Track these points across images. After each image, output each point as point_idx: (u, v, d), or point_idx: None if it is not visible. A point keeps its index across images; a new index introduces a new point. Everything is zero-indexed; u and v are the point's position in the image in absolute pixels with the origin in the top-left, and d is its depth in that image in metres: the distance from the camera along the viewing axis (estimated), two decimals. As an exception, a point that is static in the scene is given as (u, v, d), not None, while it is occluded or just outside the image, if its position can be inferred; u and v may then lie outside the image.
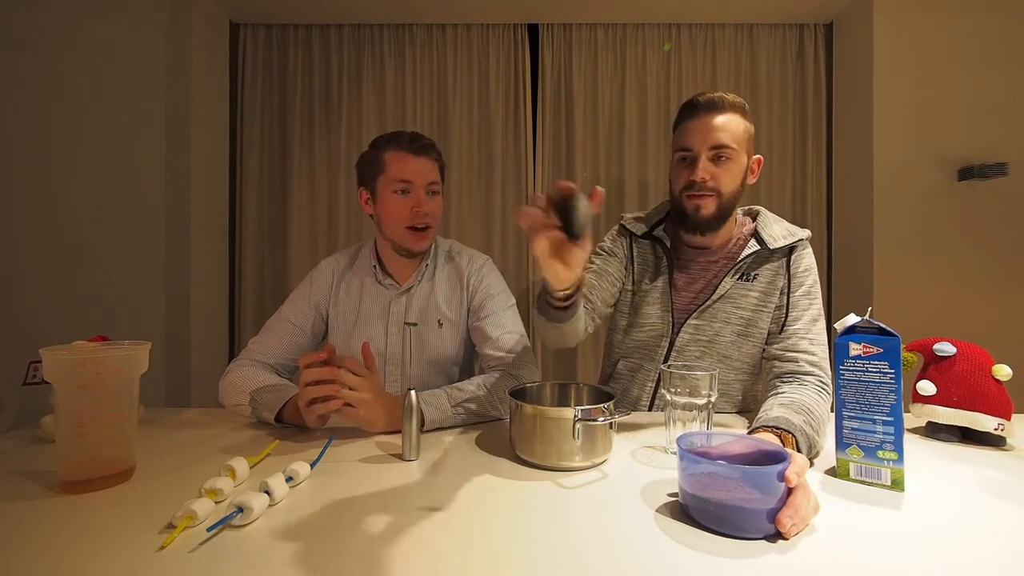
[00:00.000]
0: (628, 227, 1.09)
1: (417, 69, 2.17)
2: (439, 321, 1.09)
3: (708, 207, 0.96)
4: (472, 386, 0.93)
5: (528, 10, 2.08)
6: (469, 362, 1.16)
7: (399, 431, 0.83)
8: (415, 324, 1.08)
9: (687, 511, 0.56)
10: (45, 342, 0.62)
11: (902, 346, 0.65)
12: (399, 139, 1.05)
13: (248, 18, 2.15)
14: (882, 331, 0.64)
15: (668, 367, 0.77)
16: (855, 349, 0.66)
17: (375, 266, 1.12)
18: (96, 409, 0.61)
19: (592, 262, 1.09)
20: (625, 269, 1.08)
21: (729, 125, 0.94)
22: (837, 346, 0.67)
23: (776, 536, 0.51)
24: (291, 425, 0.87)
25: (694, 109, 0.97)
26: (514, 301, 1.11)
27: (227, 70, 2.15)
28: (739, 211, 1.07)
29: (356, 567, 0.46)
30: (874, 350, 0.65)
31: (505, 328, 1.04)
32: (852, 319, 0.67)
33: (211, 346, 2.05)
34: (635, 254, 1.08)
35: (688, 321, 1.00)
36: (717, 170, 0.95)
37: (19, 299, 1.66)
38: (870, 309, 0.74)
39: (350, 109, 2.16)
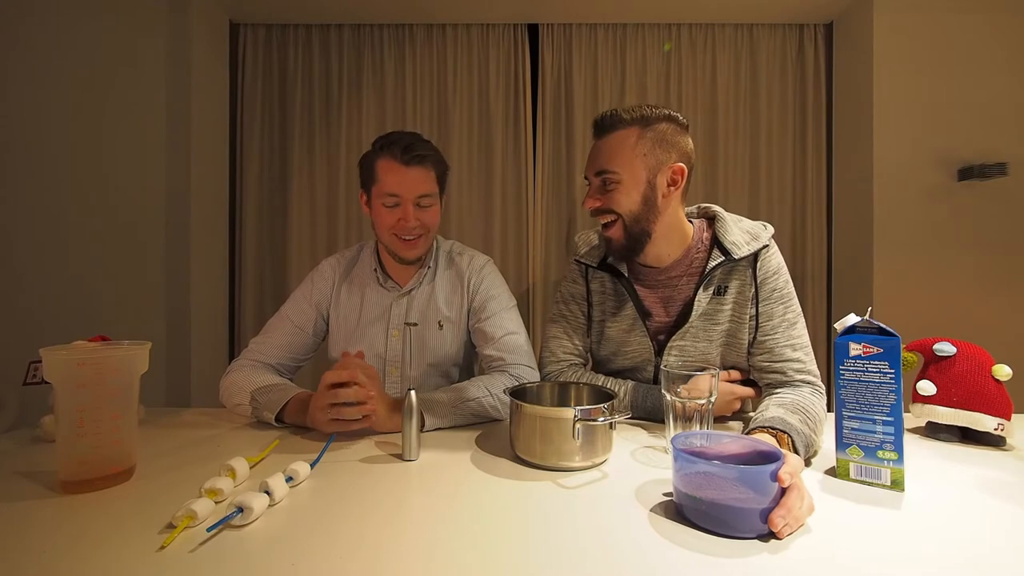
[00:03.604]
0: (583, 261, 1.05)
1: (417, 69, 2.16)
2: (439, 323, 1.09)
3: (616, 234, 0.93)
4: (472, 387, 0.93)
5: (528, 10, 2.08)
6: (469, 363, 1.16)
7: (399, 431, 0.83)
8: (415, 324, 1.08)
9: (681, 511, 0.56)
10: (45, 342, 0.62)
11: (902, 346, 0.65)
12: (392, 147, 0.99)
13: (248, 18, 2.15)
14: (882, 331, 0.64)
15: (667, 367, 0.77)
16: (855, 349, 0.66)
17: (376, 268, 1.12)
18: (96, 409, 0.61)
19: (562, 315, 1.07)
20: (586, 302, 1.06)
21: (612, 144, 0.89)
22: (837, 346, 0.67)
23: (769, 536, 0.51)
24: (291, 425, 0.88)
25: (593, 130, 0.93)
26: (515, 302, 1.11)
27: (227, 70, 2.15)
28: (692, 211, 1.02)
29: (356, 567, 0.46)
30: (874, 350, 0.65)
31: (506, 329, 1.04)
32: (852, 319, 0.67)
33: (211, 346, 2.05)
34: (592, 286, 1.05)
35: (671, 344, 0.96)
36: (606, 196, 0.91)
37: (19, 299, 1.66)
38: (870, 309, 0.74)
39: (350, 109, 2.16)
